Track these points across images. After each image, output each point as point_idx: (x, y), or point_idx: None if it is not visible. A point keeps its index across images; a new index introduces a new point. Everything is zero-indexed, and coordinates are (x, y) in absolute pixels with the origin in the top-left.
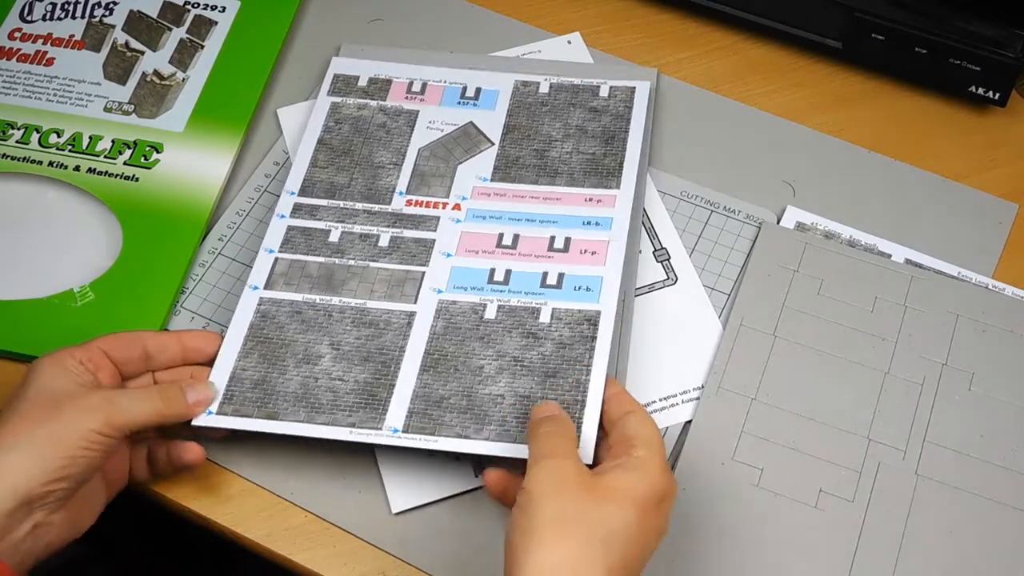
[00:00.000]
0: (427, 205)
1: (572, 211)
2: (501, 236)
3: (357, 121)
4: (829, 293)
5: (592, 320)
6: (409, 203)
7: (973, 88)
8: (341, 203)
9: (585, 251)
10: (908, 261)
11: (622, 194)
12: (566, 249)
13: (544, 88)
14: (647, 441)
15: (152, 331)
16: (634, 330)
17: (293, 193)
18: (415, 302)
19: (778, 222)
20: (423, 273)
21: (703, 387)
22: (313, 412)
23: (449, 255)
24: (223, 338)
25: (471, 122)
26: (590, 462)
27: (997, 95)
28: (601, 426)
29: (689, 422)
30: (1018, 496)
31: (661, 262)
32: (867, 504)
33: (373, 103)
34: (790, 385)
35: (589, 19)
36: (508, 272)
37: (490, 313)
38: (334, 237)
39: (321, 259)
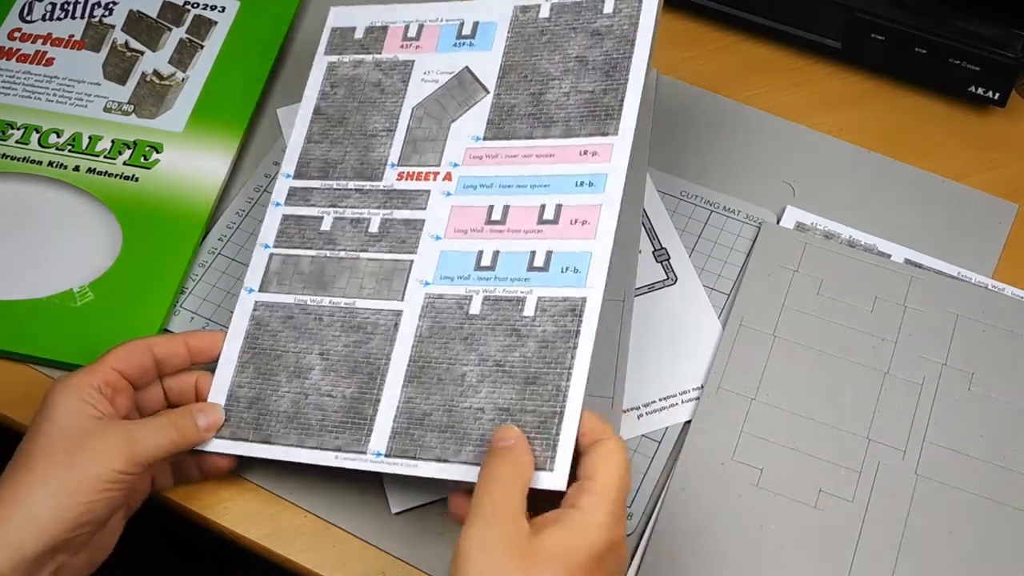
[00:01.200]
0: (418, 177)
1: (565, 170)
2: (491, 209)
3: (352, 83)
4: (829, 293)
5: (576, 310)
6: (401, 176)
7: (973, 88)
8: (334, 183)
9: (576, 220)
10: (908, 261)
11: (619, 141)
12: (556, 220)
13: (544, 12)
14: (602, 484)
15: (157, 336)
16: (634, 330)
17: (289, 176)
18: (402, 298)
19: (778, 222)
20: (411, 262)
21: (703, 387)
22: (303, 434)
23: (438, 237)
24: (224, 337)
25: (466, 67)
26: (563, 487)
27: (997, 95)
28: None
29: (689, 422)
30: (1018, 496)
31: (661, 262)
32: (867, 504)
33: (369, 58)
34: (790, 385)
35: None
36: (496, 254)
37: (475, 307)
38: (326, 225)
39: (313, 252)
